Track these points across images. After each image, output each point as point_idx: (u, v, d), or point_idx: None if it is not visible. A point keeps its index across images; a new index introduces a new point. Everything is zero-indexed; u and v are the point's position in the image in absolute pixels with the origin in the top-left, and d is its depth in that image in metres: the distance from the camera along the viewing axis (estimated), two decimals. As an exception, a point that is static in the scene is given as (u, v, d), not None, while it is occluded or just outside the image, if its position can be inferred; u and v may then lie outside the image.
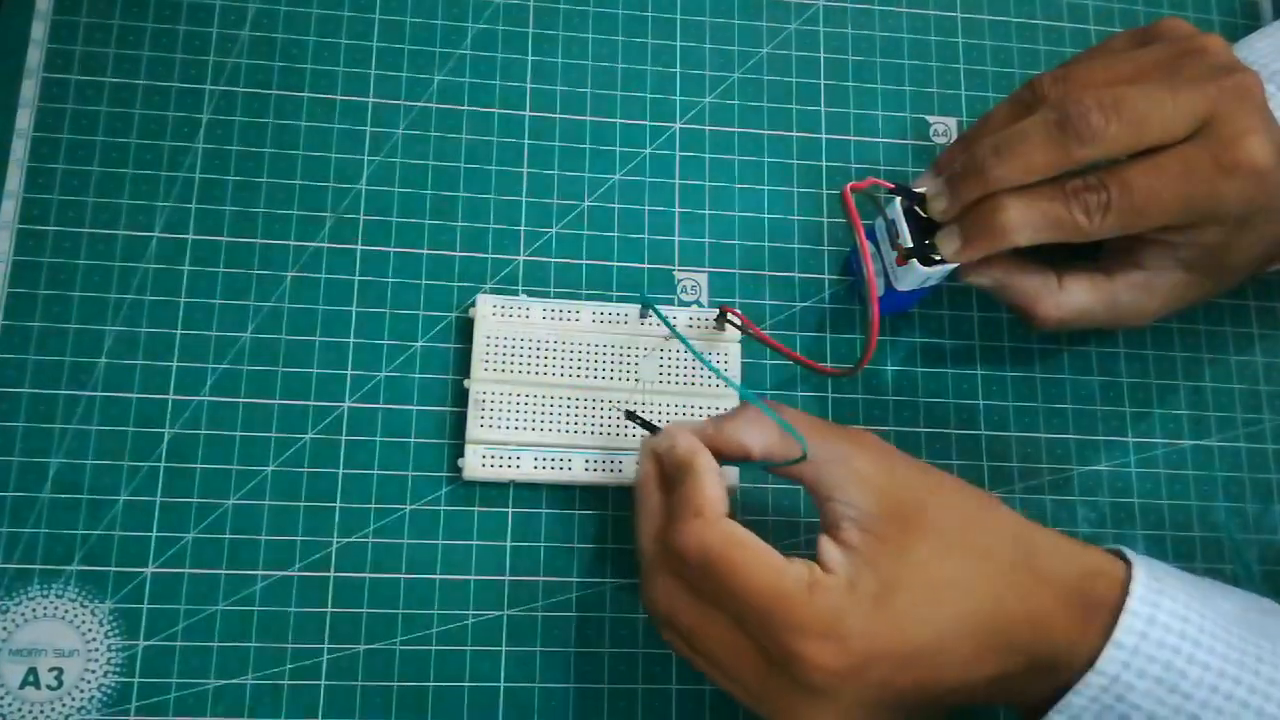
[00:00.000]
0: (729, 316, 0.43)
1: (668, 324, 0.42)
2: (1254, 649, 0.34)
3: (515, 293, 0.45)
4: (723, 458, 0.38)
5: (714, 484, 0.36)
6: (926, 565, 0.34)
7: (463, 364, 0.43)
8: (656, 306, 0.42)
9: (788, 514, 0.44)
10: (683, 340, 0.41)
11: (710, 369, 0.43)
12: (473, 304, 0.43)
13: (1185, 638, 0.34)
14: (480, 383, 0.42)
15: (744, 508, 0.43)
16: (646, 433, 0.41)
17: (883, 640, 0.33)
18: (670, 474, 0.38)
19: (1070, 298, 0.43)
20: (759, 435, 0.38)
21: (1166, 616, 0.34)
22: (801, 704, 0.34)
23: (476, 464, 0.42)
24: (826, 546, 0.35)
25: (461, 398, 0.43)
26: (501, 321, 0.43)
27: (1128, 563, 0.36)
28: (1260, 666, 0.34)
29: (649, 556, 0.37)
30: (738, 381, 0.43)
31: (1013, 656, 0.34)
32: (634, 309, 0.44)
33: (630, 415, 0.41)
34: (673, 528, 0.36)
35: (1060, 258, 0.43)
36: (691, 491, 0.36)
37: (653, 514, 0.38)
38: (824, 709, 0.34)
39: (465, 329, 0.44)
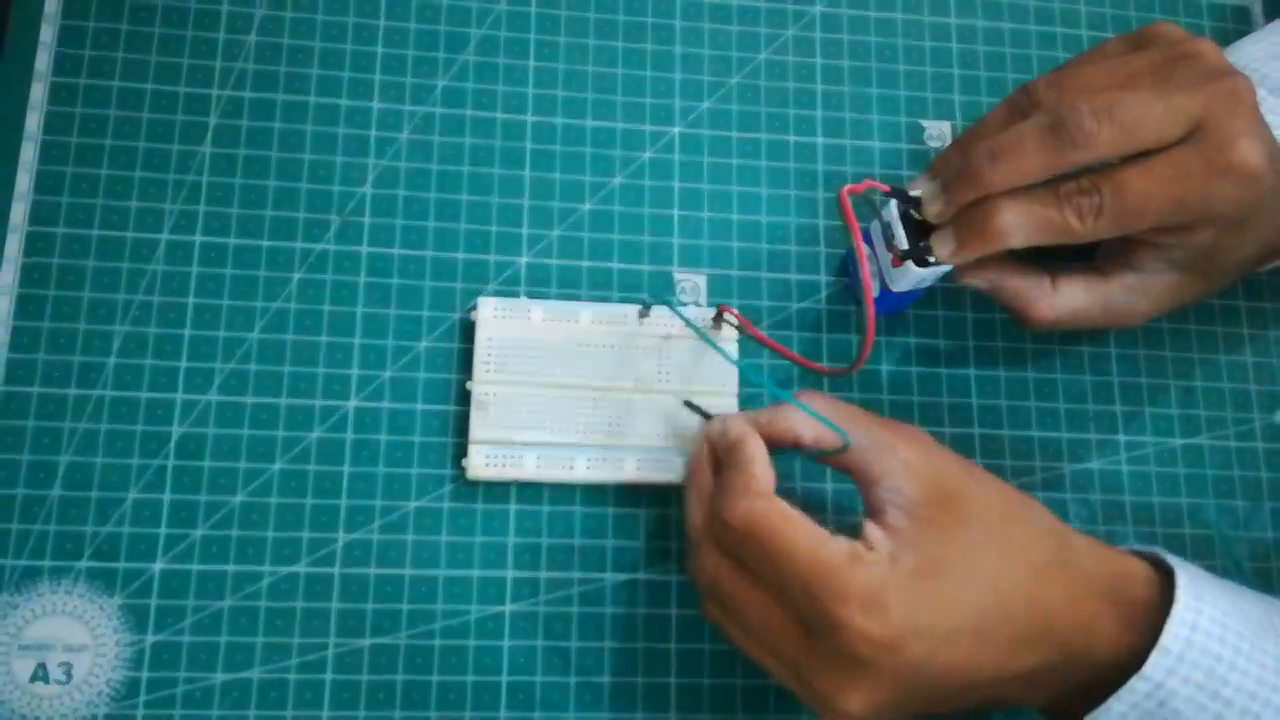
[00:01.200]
0: (726, 316, 0.44)
1: (691, 324, 0.43)
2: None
3: (517, 294, 0.45)
4: (774, 445, 0.39)
5: (763, 464, 0.38)
6: (968, 551, 0.35)
7: (466, 364, 0.44)
8: (680, 309, 0.43)
9: (817, 512, 0.44)
10: (704, 336, 0.42)
11: (740, 368, 0.43)
12: (474, 306, 0.44)
13: (1225, 644, 0.34)
14: (483, 384, 0.43)
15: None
16: (702, 419, 0.42)
17: (923, 614, 0.34)
18: (722, 456, 0.39)
19: (1064, 299, 0.43)
20: (809, 424, 0.39)
21: (1208, 623, 0.34)
22: (839, 675, 0.34)
23: (480, 464, 0.42)
24: (870, 529, 0.36)
25: (465, 397, 0.43)
26: (503, 323, 0.44)
27: (1160, 567, 0.36)
28: None
29: (698, 531, 0.38)
30: (768, 380, 0.43)
31: (1050, 651, 0.35)
32: (633, 309, 0.44)
33: (688, 404, 0.43)
34: (722, 502, 0.36)
35: (1054, 259, 0.43)
36: (741, 469, 0.37)
37: (704, 493, 0.39)
38: (861, 681, 0.34)
39: (468, 329, 0.44)
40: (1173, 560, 0.36)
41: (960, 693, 0.36)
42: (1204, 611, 0.34)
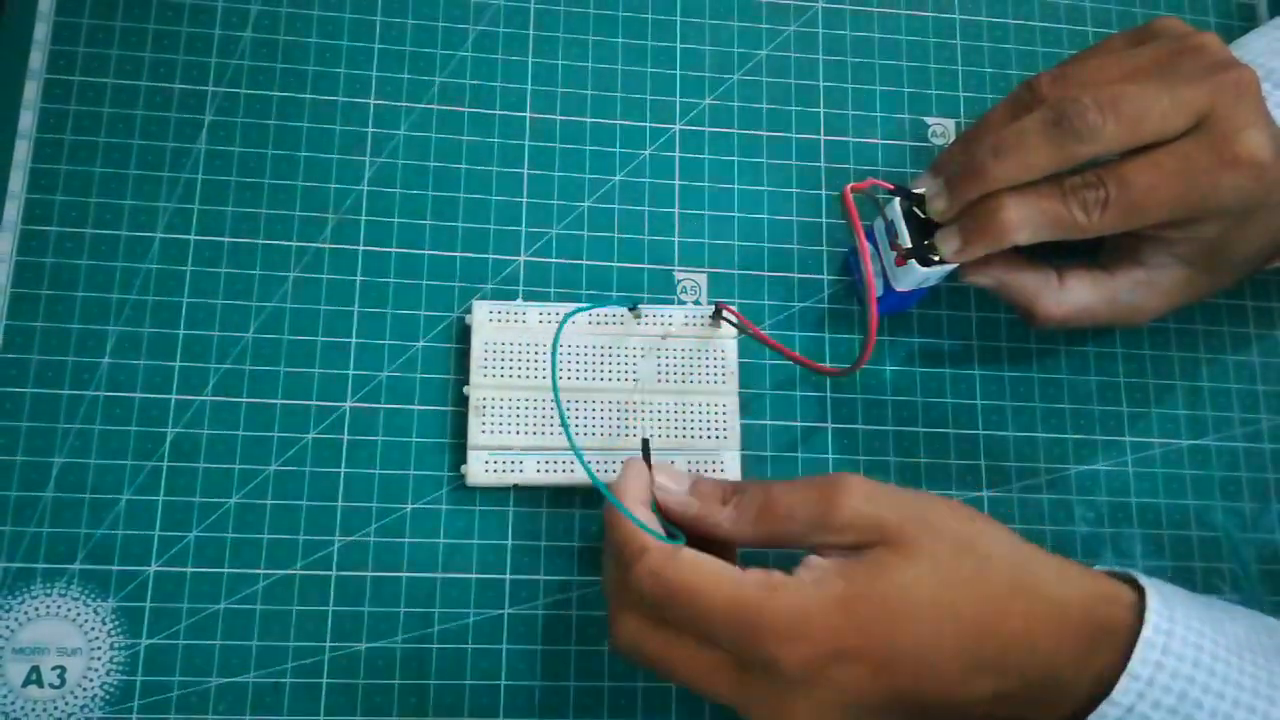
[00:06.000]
0: (724, 313, 0.43)
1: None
2: (1266, 674, 0.34)
3: (515, 294, 0.45)
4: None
5: (647, 518, 0.36)
6: (910, 584, 0.34)
7: (464, 364, 0.43)
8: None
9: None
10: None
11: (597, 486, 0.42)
12: (469, 309, 0.43)
13: (1199, 666, 0.33)
14: (480, 389, 0.42)
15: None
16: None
17: (848, 638, 0.33)
18: (611, 519, 0.37)
19: (1071, 295, 0.43)
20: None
21: (1180, 645, 0.34)
22: (778, 704, 0.34)
23: (480, 470, 0.42)
24: (808, 559, 0.35)
25: (463, 397, 0.43)
26: (498, 327, 0.43)
27: (1136, 587, 0.35)
28: (1274, 694, 0.34)
29: (610, 597, 0.37)
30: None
31: (1007, 678, 0.34)
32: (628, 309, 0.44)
33: (645, 445, 0.41)
34: (625, 570, 0.35)
35: (1060, 256, 0.43)
36: (630, 531, 0.36)
37: (612, 556, 0.37)
38: (800, 704, 0.34)
39: (466, 330, 0.44)
40: (1145, 581, 0.35)
41: (915, 715, 0.35)
42: (1175, 634, 0.34)
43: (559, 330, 0.42)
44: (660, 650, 0.36)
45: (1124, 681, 0.33)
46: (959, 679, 0.34)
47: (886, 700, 0.34)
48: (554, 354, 0.40)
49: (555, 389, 0.39)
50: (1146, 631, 0.34)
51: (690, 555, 0.35)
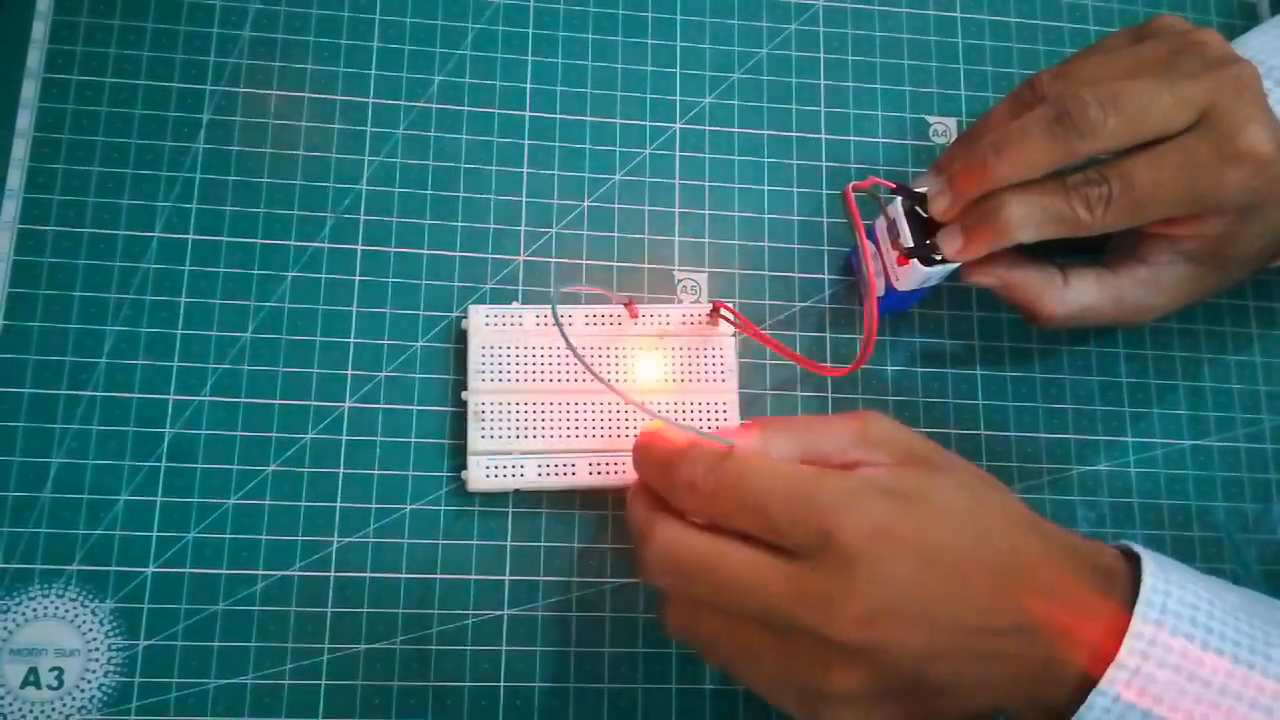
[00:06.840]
0: (722, 311, 0.43)
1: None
2: (1263, 634, 0.34)
3: (515, 294, 0.45)
4: None
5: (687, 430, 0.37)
6: (947, 494, 0.34)
7: (463, 364, 0.43)
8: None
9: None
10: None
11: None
12: (465, 313, 0.43)
13: (1197, 625, 0.34)
14: (478, 394, 0.42)
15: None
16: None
17: (898, 521, 0.33)
18: (649, 452, 0.37)
19: (1075, 294, 0.43)
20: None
21: (1177, 604, 0.34)
22: (833, 585, 0.33)
23: (480, 475, 0.42)
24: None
25: (462, 399, 0.43)
26: (495, 331, 0.43)
27: (1130, 555, 0.36)
28: (1271, 650, 0.34)
29: (643, 523, 0.36)
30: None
31: (1034, 604, 0.34)
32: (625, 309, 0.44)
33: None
34: (674, 467, 0.35)
35: (1063, 255, 0.43)
36: (675, 435, 0.36)
37: (643, 486, 0.37)
38: (854, 585, 0.33)
39: (463, 333, 0.44)
40: (1139, 548, 0.36)
41: (950, 656, 0.34)
42: (1172, 594, 0.34)
43: (554, 300, 0.41)
44: (704, 553, 0.35)
45: (1128, 642, 0.33)
46: (992, 600, 0.34)
47: (927, 605, 0.33)
48: (555, 307, 0.39)
49: (561, 330, 0.38)
50: (1145, 591, 0.34)
51: (742, 449, 0.35)
